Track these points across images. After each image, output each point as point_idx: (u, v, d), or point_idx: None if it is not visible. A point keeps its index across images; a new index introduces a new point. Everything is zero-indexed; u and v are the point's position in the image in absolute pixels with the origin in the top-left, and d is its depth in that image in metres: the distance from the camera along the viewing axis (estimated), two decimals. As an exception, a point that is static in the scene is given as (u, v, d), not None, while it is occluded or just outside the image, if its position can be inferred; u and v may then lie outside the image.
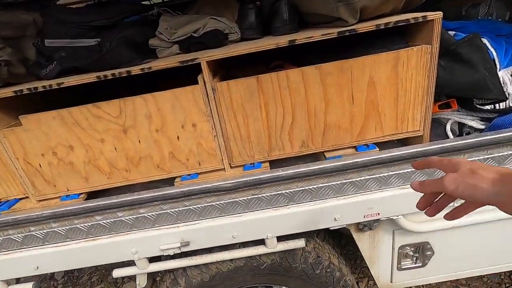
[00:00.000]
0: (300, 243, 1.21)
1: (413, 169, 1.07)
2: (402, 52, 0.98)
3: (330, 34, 0.93)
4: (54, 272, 2.79)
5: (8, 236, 1.12)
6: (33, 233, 1.11)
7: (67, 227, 1.11)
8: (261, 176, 1.06)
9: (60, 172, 1.11)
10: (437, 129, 1.18)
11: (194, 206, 1.10)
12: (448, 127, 1.15)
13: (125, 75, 0.96)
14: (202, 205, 1.10)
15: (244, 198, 1.09)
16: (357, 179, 1.08)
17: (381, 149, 1.11)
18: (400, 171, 1.08)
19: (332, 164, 1.06)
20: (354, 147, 1.15)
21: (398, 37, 1.05)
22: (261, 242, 1.19)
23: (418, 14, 0.94)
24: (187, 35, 1.15)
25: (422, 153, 1.04)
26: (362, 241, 1.27)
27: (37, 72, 1.08)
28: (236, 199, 1.09)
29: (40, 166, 1.09)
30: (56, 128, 1.03)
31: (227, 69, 1.32)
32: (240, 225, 1.11)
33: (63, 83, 0.97)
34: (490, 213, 1.16)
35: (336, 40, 1.04)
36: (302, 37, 0.94)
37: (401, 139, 1.16)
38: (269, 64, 1.26)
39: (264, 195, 1.09)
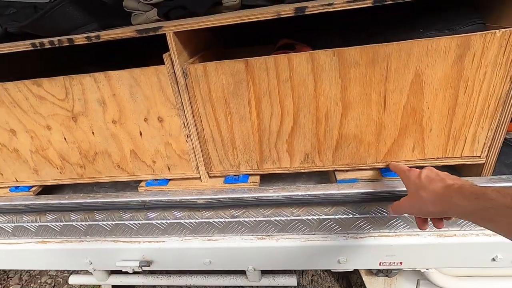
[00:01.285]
0: (290, 280, 0.94)
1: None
2: (474, 38, 0.62)
3: (362, 1, 0.60)
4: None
5: (-48, 226, 0.97)
6: (-23, 226, 0.95)
7: (13, 224, 0.94)
8: (244, 195, 0.80)
9: (6, 159, 0.91)
10: (507, 157, 0.81)
11: (158, 221, 0.86)
12: (525, 156, 0.78)
13: (67, 44, 0.70)
14: (169, 220, 0.86)
15: (221, 220, 0.83)
16: (376, 215, 0.77)
17: (418, 178, 0.78)
18: (442, 213, 0.75)
19: (343, 191, 0.76)
20: (379, 169, 0.82)
21: (470, 13, 0.68)
22: (242, 271, 0.94)
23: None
24: (167, -4, 0.86)
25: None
26: (374, 286, 0.98)
27: (-18, 33, 0.86)
28: (211, 220, 0.84)
29: (-18, 150, 0.90)
30: (-7, 107, 0.82)
31: (223, 51, 1.02)
32: (213, 251, 0.87)
33: (-8, 49, 0.73)
34: None
35: (373, 14, 0.70)
36: (318, 4, 0.61)
37: (451, 166, 0.81)
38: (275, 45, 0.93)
39: (247, 219, 0.82)
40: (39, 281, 2.47)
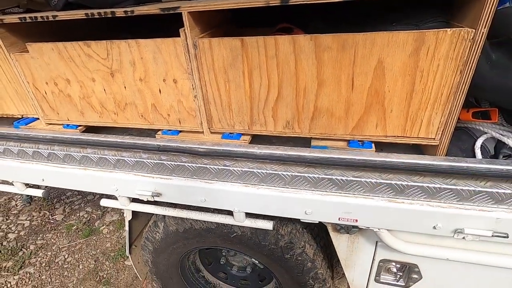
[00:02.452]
0: (267, 225, 1.15)
1: (407, 183, 0.88)
2: (428, 34, 0.73)
3: (334, -4, 0.73)
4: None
5: (23, 148, 1.29)
6: (39, 150, 1.26)
7: (64, 152, 1.23)
8: (234, 149, 0.99)
9: (61, 102, 1.19)
10: (463, 142, 0.92)
11: (169, 162, 1.10)
12: (478, 143, 0.88)
13: (110, 16, 0.92)
14: (176, 163, 1.09)
15: (216, 166, 1.05)
16: (340, 177, 0.94)
17: (378, 150, 0.93)
18: (393, 182, 0.90)
19: (313, 154, 0.93)
20: (347, 140, 0.98)
21: (435, 12, 0.78)
22: (231, 212, 1.17)
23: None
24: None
25: (428, 168, 0.84)
26: (339, 242, 1.16)
27: (48, 1, 1.11)
28: (208, 166, 1.05)
29: (46, 93, 1.18)
30: (55, 60, 1.08)
31: (232, 29, 1.19)
32: (209, 191, 1.09)
33: (57, 16, 0.98)
34: (492, 257, 0.93)
35: (355, 7, 0.82)
36: (300, -4, 0.76)
37: (411, 145, 0.94)
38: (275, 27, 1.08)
39: (236, 168, 1.03)
40: (78, 214, 2.95)
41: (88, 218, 2.88)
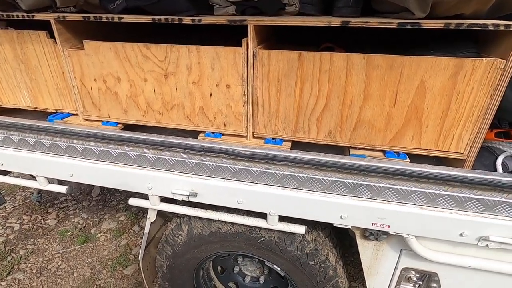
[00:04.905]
0: (300, 229, 1.20)
1: (438, 191, 0.97)
2: (467, 62, 0.86)
3: (389, 23, 0.85)
4: (93, 188, 3.19)
5: (56, 142, 1.30)
6: (74, 145, 1.28)
7: (101, 148, 1.25)
8: (278, 153, 1.06)
9: (106, 99, 1.23)
10: (485, 159, 1.04)
11: (210, 163, 1.15)
12: (499, 160, 1.01)
13: (177, 22, 1.00)
14: (217, 164, 1.14)
15: (257, 169, 1.11)
16: (376, 184, 1.02)
17: (412, 162, 1.03)
18: (426, 190, 0.99)
19: (353, 162, 1.01)
20: (383, 151, 1.07)
21: (470, 44, 0.92)
22: (263, 216, 1.22)
23: (501, 22, 0.80)
24: (246, -2, 1.14)
25: (457, 179, 0.94)
26: (365, 249, 1.22)
27: (106, 5, 1.18)
28: (249, 168, 1.11)
29: (91, 89, 1.22)
30: (110, 59, 1.13)
31: (275, 43, 1.30)
32: (247, 193, 1.14)
33: (123, 17, 1.05)
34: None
35: (399, 34, 0.95)
36: (358, 20, 0.88)
37: (439, 158, 1.05)
38: (319, 46, 1.20)
39: (276, 172, 1.09)
40: (72, 220, 2.85)
41: (84, 225, 2.78)
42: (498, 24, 0.79)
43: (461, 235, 1.01)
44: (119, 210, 2.95)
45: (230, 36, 1.09)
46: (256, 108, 1.09)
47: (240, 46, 0.99)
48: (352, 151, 1.09)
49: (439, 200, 0.99)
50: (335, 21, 0.89)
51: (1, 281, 2.23)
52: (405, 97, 0.95)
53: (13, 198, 3.06)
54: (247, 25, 0.95)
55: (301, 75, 0.99)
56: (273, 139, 1.14)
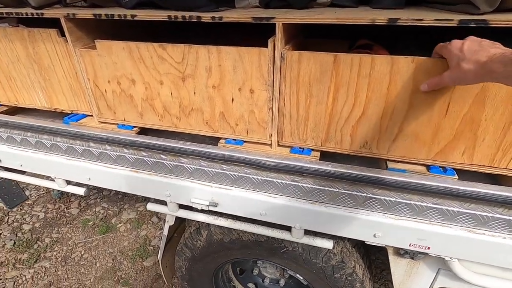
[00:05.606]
0: (327, 244, 1.12)
1: (492, 214, 0.85)
2: (544, 67, 0.70)
3: (449, 21, 0.71)
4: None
5: (72, 145, 1.26)
6: (90, 149, 1.23)
7: (117, 153, 1.19)
8: (306, 165, 0.96)
9: (121, 101, 1.15)
10: (552, 176, 0.89)
11: (231, 172, 1.07)
12: None
13: (195, 20, 0.89)
14: (239, 173, 1.06)
15: (282, 181, 1.02)
16: (417, 203, 0.91)
17: (461, 179, 0.90)
18: (477, 212, 0.87)
19: (392, 177, 0.90)
20: (427, 165, 0.95)
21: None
22: (288, 227, 1.14)
23: None
24: (271, -13, 1.01)
25: (515, 201, 0.81)
26: (398, 266, 1.13)
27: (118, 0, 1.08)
28: (274, 180, 1.02)
29: (106, 91, 1.15)
30: (123, 59, 1.04)
31: (304, 37, 1.16)
32: (271, 205, 1.06)
33: (136, 15, 0.95)
34: None
35: (455, 31, 0.80)
36: (408, 17, 0.73)
37: (493, 175, 0.92)
38: (354, 42, 1.05)
39: (304, 185, 1.00)
40: (94, 209, 2.91)
41: (105, 214, 2.83)
42: None
43: (514, 262, 0.89)
44: (137, 201, 2.98)
45: (252, 32, 0.97)
46: (283, 115, 0.98)
47: (266, 46, 0.88)
48: (390, 165, 0.97)
49: (491, 223, 0.87)
50: (380, 19, 0.75)
51: (29, 268, 2.32)
52: (459, 107, 0.81)
53: (37, 186, 3.14)
54: (274, 23, 0.83)
55: (335, 80, 0.87)
56: (300, 148, 1.03)
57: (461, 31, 0.76)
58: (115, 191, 3.13)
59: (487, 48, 0.60)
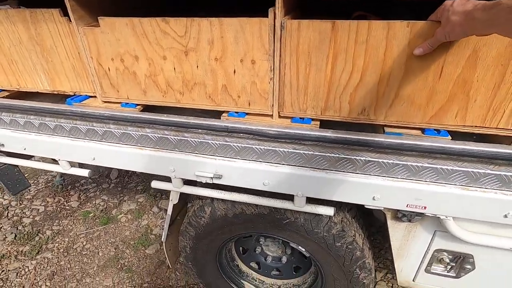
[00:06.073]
0: (328, 210, 1.16)
1: (483, 171, 0.90)
2: (529, 24, 0.75)
3: (440, -17, 0.75)
4: (111, 171, 3.24)
5: (76, 125, 1.28)
6: (94, 128, 1.25)
7: (121, 131, 1.22)
8: (307, 132, 1.00)
9: (124, 79, 1.18)
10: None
11: (234, 144, 1.10)
12: (554, 136, 0.91)
13: (198, -8, 0.92)
14: (242, 145, 1.09)
15: (284, 149, 1.06)
16: (413, 163, 0.96)
17: (454, 139, 0.95)
18: (469, 169, 0.92)
19: (389, 140, 0.94)
20: (422, 129, 1.00)
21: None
22: (290, 197, 1.18)
23: None
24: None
25: (506, 157, 0.87)
26: (396, 230, 1.18)
27: (120, -23, 1.10)
28: (276, 149, 1.06)
29: (109, 69, 1.17)
30: (127, 36, 1.07)
31: (303, 13, 1.19)
32: (274, 175, 1.10)
33: (139, -10, 0.97)
34: None
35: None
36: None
37: (484, 135, 0.97)
38: (350, 15, 1.10)
39: (305, 152, 1.04)
40: (93, 202, 2.91)
41: (105, 206, 2.84)
42: None
43: (505, 216, 0.95)
44: (137, 192, 3.00)
45: (256, 3, 1.00)
46: (284, 85, 1.02)
47: (267, 16, 0.91)
48: (387, 129, 1.01)
49: (483, 179, 0.92)
50: (376, -17, 0.80)
51: (32, 260, 2.32)
52: (452, 69, 0.86)
53: (36, 181, 3.14)
54: (275, -7, 0.86)
55: (334, 47, 0.91)
56: (301, 118, 1.07)
57: None
58: (114, 184, 3.14)
59: (473, 1, 0.67)
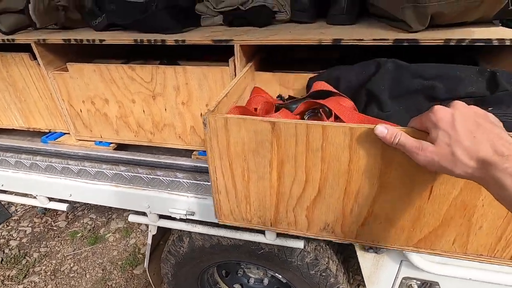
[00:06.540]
0: (298, 243, 1.20)
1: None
2: None
3: (384, 40, 0.79)
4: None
5: (51, 164, 1.29)
6: (69, 166, 1.27)
7: (95, 169, 1.24)
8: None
9: (96, 120, 1.20)
10: None
11: (205, 182, 1.13)
12: None
13: (160, 43, 0.95)
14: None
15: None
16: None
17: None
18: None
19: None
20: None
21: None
22: (262, 232, 1.21)
23: (506, 37, 0.73)
24: (233, 7, 1.08)
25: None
26: (365, 260, 1.22)
27: (88, 21, 1.13)
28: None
29: (81, 111, 1.19)
30: (95, 81, 1.09)
31: (268, 52, 1.23)
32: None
33: (104, 40, 1.00)
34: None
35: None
36: (351, 37, 0.81)
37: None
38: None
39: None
40: (81, 221, 2.92)
41: (93, 225, 2.85)
42: (503, 39, 0.72)
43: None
44: (126, 210, 3.01)
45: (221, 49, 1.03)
46: (217, 191, 0.77)
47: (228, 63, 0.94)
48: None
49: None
50: (326, 39, 0.83)
51: (18, 284, 2.33)
52: (446, 190, 0.62)
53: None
54: (232, 45, 0.89)
55: (278, 152, 0.66)
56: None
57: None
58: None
59: (493, 139, 0.42)
